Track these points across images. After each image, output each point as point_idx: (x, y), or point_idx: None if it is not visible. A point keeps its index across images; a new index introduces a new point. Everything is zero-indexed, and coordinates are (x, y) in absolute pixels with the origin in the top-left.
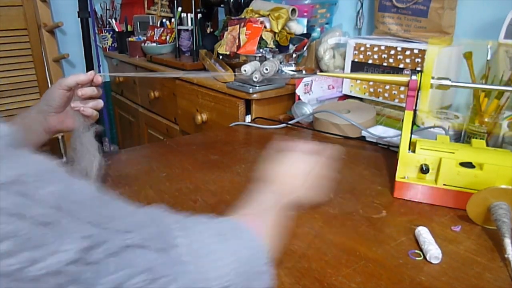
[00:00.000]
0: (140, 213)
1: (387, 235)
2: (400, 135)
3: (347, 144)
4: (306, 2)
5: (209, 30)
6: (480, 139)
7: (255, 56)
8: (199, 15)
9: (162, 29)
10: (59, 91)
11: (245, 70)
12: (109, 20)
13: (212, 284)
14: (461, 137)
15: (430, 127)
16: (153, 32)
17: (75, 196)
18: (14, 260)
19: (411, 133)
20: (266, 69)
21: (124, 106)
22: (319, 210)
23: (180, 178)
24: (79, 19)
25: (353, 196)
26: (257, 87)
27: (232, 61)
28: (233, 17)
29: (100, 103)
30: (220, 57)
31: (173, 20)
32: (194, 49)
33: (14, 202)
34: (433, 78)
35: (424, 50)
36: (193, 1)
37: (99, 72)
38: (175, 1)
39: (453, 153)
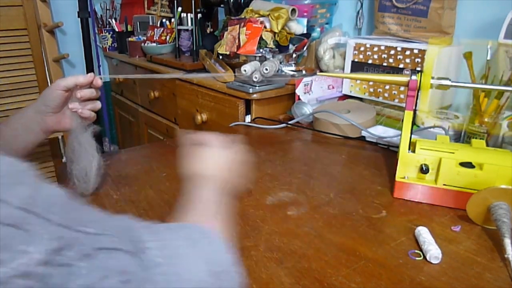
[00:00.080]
0: (109, 218)
1: (387, 235)
2: (400, 135)
3: (347, 144)
4: (306, 2)
5: (209, 30)
6: (480, 139)
7: (255, 56)
8: (199, 15)
9: (162, 29)
10: (57, 92)
11: (245, 70)
12: (109, 20)
13: (187, 285)
14: (461, 137)
15: (430, 127)
16: (153, 32)
17: (45, 198)
18: None
19: (411, 133)
20: (266, 69)
21: (124, 106)
22: (319, 210)
23: (180, 178)
24: (79, 19)
25: (353, 196)
26: (257, 87)
27: (232, 61)
28: (233, 17)
29: (98, 104)
30: (220, 57)
31: (173, 20)
32: (194, 49)
33: None
34: (433, 78)
35: (424, 50)
36: (193, 1)
37: (99, 72)
38: (175, 1)
39: (453, 153)
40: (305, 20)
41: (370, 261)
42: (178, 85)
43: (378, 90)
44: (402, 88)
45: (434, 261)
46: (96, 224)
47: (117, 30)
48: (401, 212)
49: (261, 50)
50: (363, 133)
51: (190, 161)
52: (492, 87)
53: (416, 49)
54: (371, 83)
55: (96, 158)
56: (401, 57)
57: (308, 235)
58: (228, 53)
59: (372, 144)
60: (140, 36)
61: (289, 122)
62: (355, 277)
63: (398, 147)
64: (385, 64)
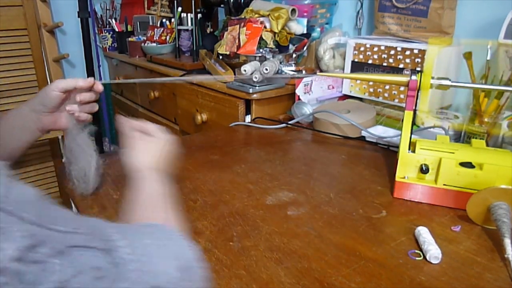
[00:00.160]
0: (80, 218)
1: (387, 235)
2: (400, 135)
3: (347, 144)
4: (306, 2)
5: (209, 30)
6: (480, 139)
7: (255, 56)
8: (199, 15)
9: (162, 29)
10: (55, 93)
11: (245, 70)
12: (109, 20)
13: (158, 280)
14: (461, 137)
15: (430, 127)
16: (153, 32)
17: (17, 197)
18: None
19: (411, 133)
20: (266, 69)
21: (124, 106)
22: (319, 210)
23: (180, 178)
24: (79, 19)
25: (353, 196)
26: (257, 87)
27: (232, 61)
28: (233, 17)
29: (95, 107)
30: (220, 57)
31: (173, 20)
32: (194, 49)
33: None
34: (433, 78)
35: (424, 50)
36: (193, 1)
37: (99, 72)
38: (175, 1)
39: (453, 153)
40: (305, 20)
41: (370, 261)
42: (178, 85)
43: (378, 90)
44: (402, 88)
45: (434, 261)
46: (68, 222)
47: (117, 30)
48: (401, 212)
49: (261, 50)
50: (363, 133)
51: (131, 151)
52: (492, 87)
53: (416, 49)
54: (371, 83)
55: (94, 158)
56: (401, 57)
57: (308, 235)
58: (228, 53)
59: (372, 144)
60: (140, 36)
61: (289, 122)
62: (355, 277)
63: (398, 147)
64: (385, 64)
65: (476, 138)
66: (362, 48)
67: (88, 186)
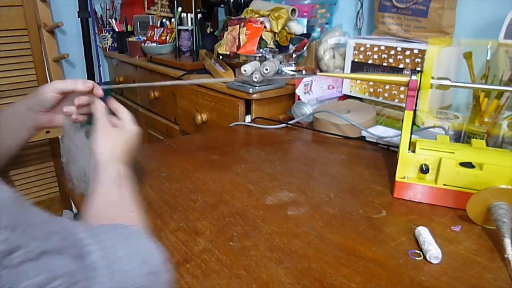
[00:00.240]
0: (54, 222)
1: (387, 235)
2: (400, 135)
3: (347, 144)
4: (306, 2)
5: (209, 30)
6: (480, 139)
7: (255, 56)
8: (199, 15)
9: (162, 29)
10: (52, 94)
11: (245, 70)
12: (109, 20)
13: (128, 285)
14: (461, 137)
15: (430, 127)
16: (153, 32)
17: None
18: None
19: (411, 133)
20: (266, 69)
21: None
22: (319, 210)
23: (180, 178)
24: (79, 19)
25: (353, 196)
26: (257, 87)
27: (232, 61)
28: (233, 17)
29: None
30: (220, 57)
31: (173, 20)
32: (194, 49)
33: None
34: (433, 78)
35: (424, 50)
36: (193, 1)
37: (99, 72)
38: (175, 1)
39: (453, 153)
40: (305, 20)
41: (370, 261)
42: (178, 85)
43: (378, 90)
44: (402, 88)
45: (434, 261)
46: (42, 227)
47: (117, 30)
48: (401, 212)
49: (261, 50)
50: (363, 133)
51: (100, 138)
52: (492, 87)
53: (416, 49)
54: (371, 83)
55: (93, 157)
56: (401, 57)
57: (308, 235)
58: (228, 53)
59: (372, 144)
60: (140, 36)
61: (289, 122)
62: (355, 277)
63: (398, 147)
64: (385, 64)
65: (476, 138)
66: (362, 48)
67: (88, 186)
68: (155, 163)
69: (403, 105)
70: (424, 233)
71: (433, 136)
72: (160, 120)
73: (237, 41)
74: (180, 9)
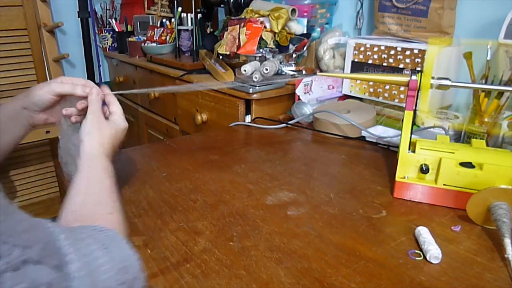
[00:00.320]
0: (36, 226)
1: (387, 235)
2: (400, 135)
3: (347, 144)
4: (306, 2)
5: (209, 30)
6: (480, 139)
7: (255, 56)
8: (199, 15)
9: (162, 29)
10: (49, 96)
11: (245, 70)
12: (109, 20)
13: None
14: (461, 137)
15: (430, 127)
16: (153, 32)
17: None
18: None
19: (411, 133)
20: (266, 69)
21: (124, 106)
22: (319, 210)
23: (180, 178)
24: (79, 19)
25: (353, 196)
26: (257, 87)
27: (232, 61)
28: (233, 17)
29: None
30: (220, 57)
31: (173, 20)
32: (194, 49)
33: None
34: (433, 78)
35: (424, 50)
36: (193, 1)
37: (99, 72)
38: (175, 1)
39: (453, 153)
40: (305, 20)
41: (370, 261)
42: (178, 85)
43: (378, 90)
44: (402, 88)
45: (434, 261)
46: (24, 235)
47: (117, 30)
48: (401, 212)
49: (261, 50)
50: (363, 133)
51: (89, 127)
52: (492, 87)
53: (416, 49)
54: (371, 83)
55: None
56: (401, 57)
57: (308, 235)
58: (228, 53)
59: (372, 144)
60: (140, 36)
61: (289, 122)
62: (355, 277)
63: (398, 147)
64: (385, 64)
65: (476, 138)
66: (362, 48)
67: None
68: (155, 163)
69: (403, 105)
70: (424, 233)
71: (433, 136)
72: (160, 120)
73: (237, 41)
74: (180, 9)
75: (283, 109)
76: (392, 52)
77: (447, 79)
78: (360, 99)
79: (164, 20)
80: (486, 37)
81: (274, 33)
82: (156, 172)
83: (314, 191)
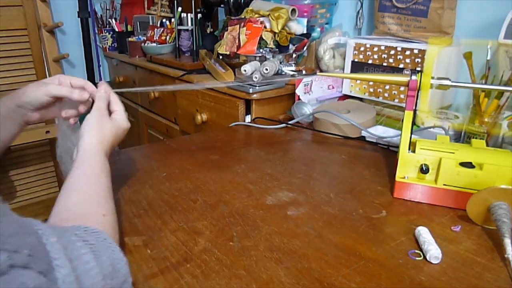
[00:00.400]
0: (26, 228)
1: (387, 235)
2: (400, 135)
3: (347, 144)
4: (306, 2)
5: (209, 30)
6: (480, 139)
7: (255, 56)
8: (199, 15)
9: (162, 29)
10: (45, 98)
11: (245, 70)
12: (109, 20)
13: None
14: (461, 137)
15: (430, 127)
16: (153, 32)
17: None
18: None
19: (411, 133)
20: (266, 69)
21: (124, 106)
22: (319, 210)
23: (180, 178)
24: (79, 19)
25: (353, 196)
26: (257, 87)
27: (232, 61)
28: (233, 17)
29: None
30: (220, 57)
31: (173, 20)
32: (194, 49)
33: None
34: (433, 78)
35: (424, 50)
36: (193, 1)
37: (99, 72)
38: (175, 1)
39: (453, 153)
40: (305, 20)
41: (370, 261)
42: (179, 84)
43: (378, 90)
44: (402, 88)
45: (434, 261)
46: (13, 239)
47: (117, 30)
48: (401, 212)
49: (261, 50)
50: (363, 133)
51: (90, 122)
52: (492, 87)
53: (416, 49)
54: (371, 83)
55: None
56: (401, 57)
57: (308, 235)
58: (228, 53)
59: (372, 144)
60: (140, 36)
61: (289, 122)
62: (355, 277)
63: (398, 147)
64: (385, 64)
65: (476, 138)
66: (362, 48)
67: None
68: (155, 163)
69: (403, 105)
70: (424, 233)
71: (433, 136)
72: (160, 120)
73: (237, 41)
74: (180, 9)
75: (283, 109)
76: (392, 52)
77: (447, 79)
78: (360, 99)
79: (164, 20)
80: (486, 37)
81: (274, 33)
82: (156, 172)
83: (314, 191)
